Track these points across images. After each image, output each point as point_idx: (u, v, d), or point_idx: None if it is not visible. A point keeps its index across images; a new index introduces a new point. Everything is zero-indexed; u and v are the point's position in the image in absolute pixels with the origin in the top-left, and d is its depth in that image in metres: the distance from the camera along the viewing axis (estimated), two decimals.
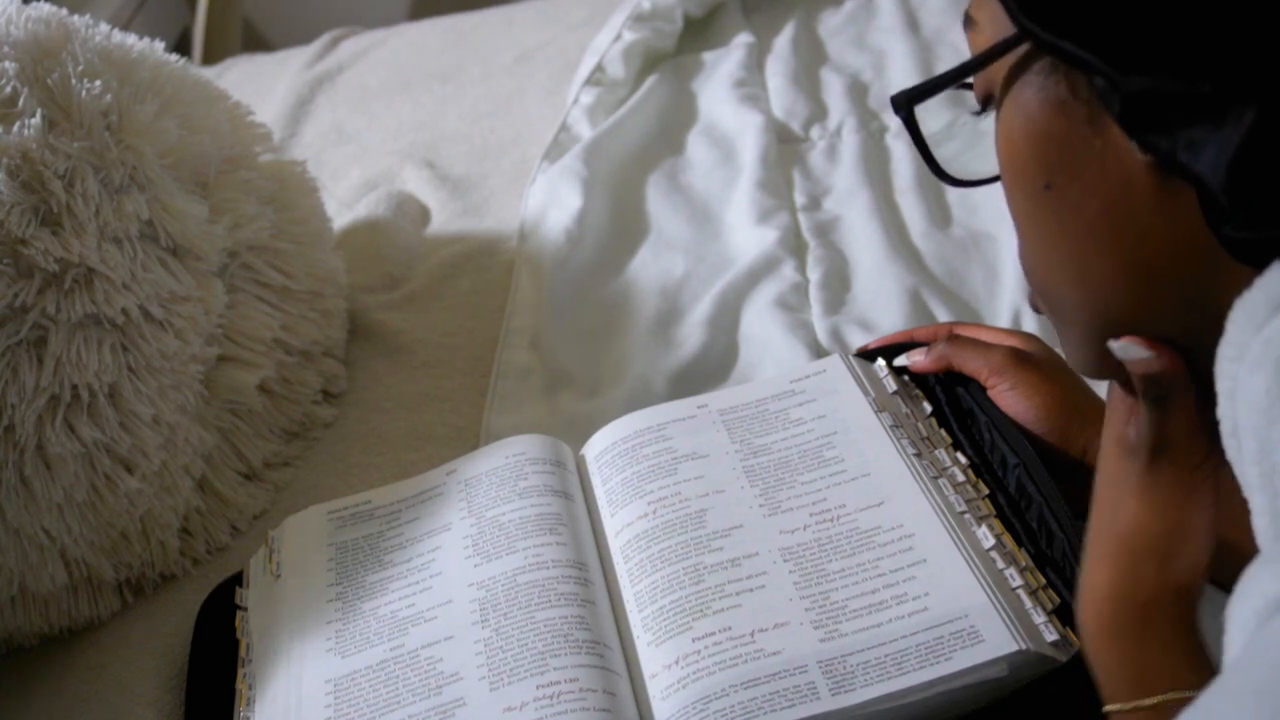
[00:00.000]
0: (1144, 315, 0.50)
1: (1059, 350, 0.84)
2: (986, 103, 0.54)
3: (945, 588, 0.65)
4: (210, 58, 1.96)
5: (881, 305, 0.96)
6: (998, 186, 0.54)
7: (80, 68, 0.80)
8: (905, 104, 0.55)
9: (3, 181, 0.74)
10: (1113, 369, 0.54)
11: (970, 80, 0.56)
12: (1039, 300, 0.56)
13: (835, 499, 0.72)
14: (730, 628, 0.66)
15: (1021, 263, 0.56)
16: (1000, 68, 0.50)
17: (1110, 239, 0.48)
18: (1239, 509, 0.66)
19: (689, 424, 0.79)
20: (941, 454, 0.74)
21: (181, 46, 2.08)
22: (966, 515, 0.69)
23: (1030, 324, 0.92)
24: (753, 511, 0.72)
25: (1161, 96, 0.42)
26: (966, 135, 0.59)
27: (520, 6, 1.57)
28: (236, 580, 0.80)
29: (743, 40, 1.32)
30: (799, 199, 1.11)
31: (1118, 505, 0.53)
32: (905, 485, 0.72)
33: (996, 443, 0.73)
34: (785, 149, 1.17)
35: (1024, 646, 0.60)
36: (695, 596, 0.68)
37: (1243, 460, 0.44)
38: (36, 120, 0.77)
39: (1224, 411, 0.45)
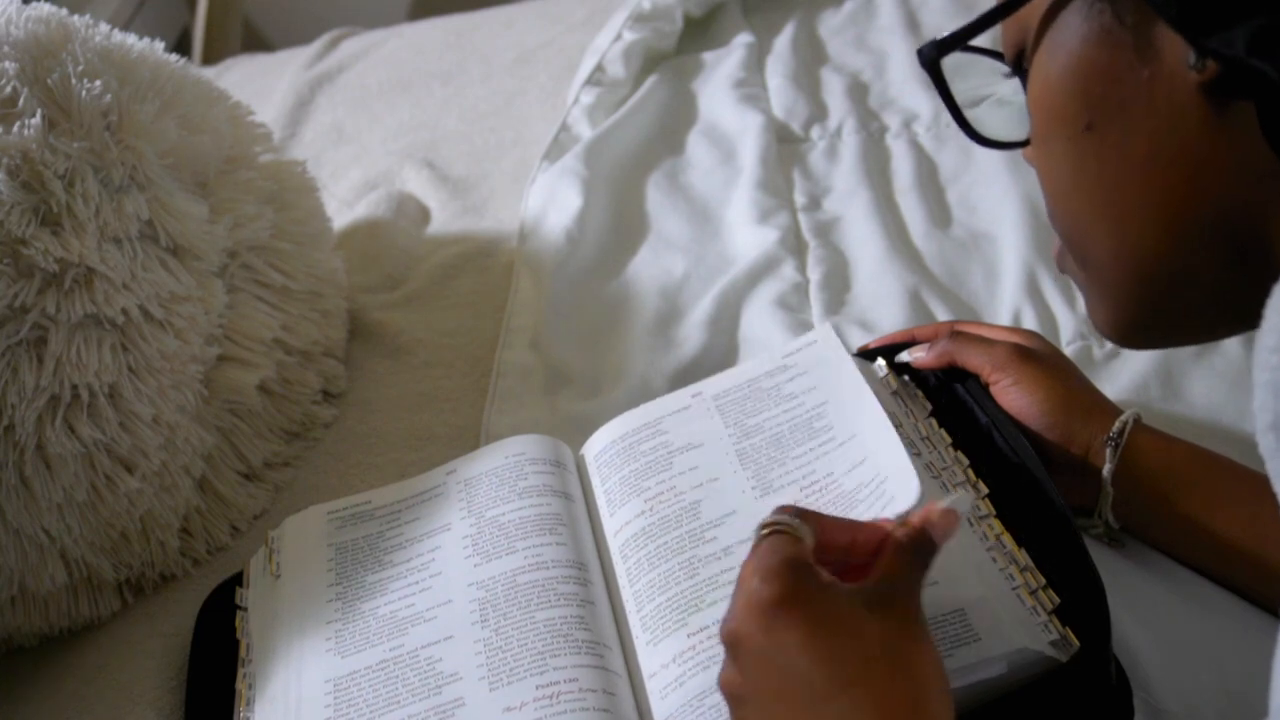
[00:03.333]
0: (1180, 265, 0.48)
1: (1061, 347, 0.84)
2: (1017, 57, 0.52)
3: (944, 586, 0.65)
4: (210, 58, 1.96)
5: (881, 305, 0.96)
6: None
7: (80, 68, 0.80)
8: (934, 56, 0.53)
9: (3, 181, 0.74)
10: (1141, 332, 0.53)
11: (991, 54, 0.55)
12: (1070, 255, 0.55)
13: (823, 468, 0.72)
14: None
15: (1052, 219, 0.54)
16: (1035, 9, 0.49)
17: (1155, 177, 0.46)
18: (1261, 519, 0.66)
19: (684, 415, 0.79)
20: (941, 454, 0.74)
21: (181, 46, 2.08)
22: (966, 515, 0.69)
23: (1031, 323, 0.92)
24: (745, 496, 0.72)
25: None
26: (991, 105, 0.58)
27: (520, 7, 1.57)
28: (236, 580, 0.80)
29: (743, 40, 1.32)
30: (799, 199, 1.11)
31: (902, 657, 0.50)
32: (885, 435, 0.70)
33: (996, 442, 0.73)
34: (785, 149, 1.17)
35: (1023, 645, 0.60)
36: (690, 591, 0.68)
37: None
38: (36, 120, 0.77)
39: (1263, 404, 0.43)
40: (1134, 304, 0.51)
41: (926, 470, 0.72)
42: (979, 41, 0.55)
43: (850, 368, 0.77)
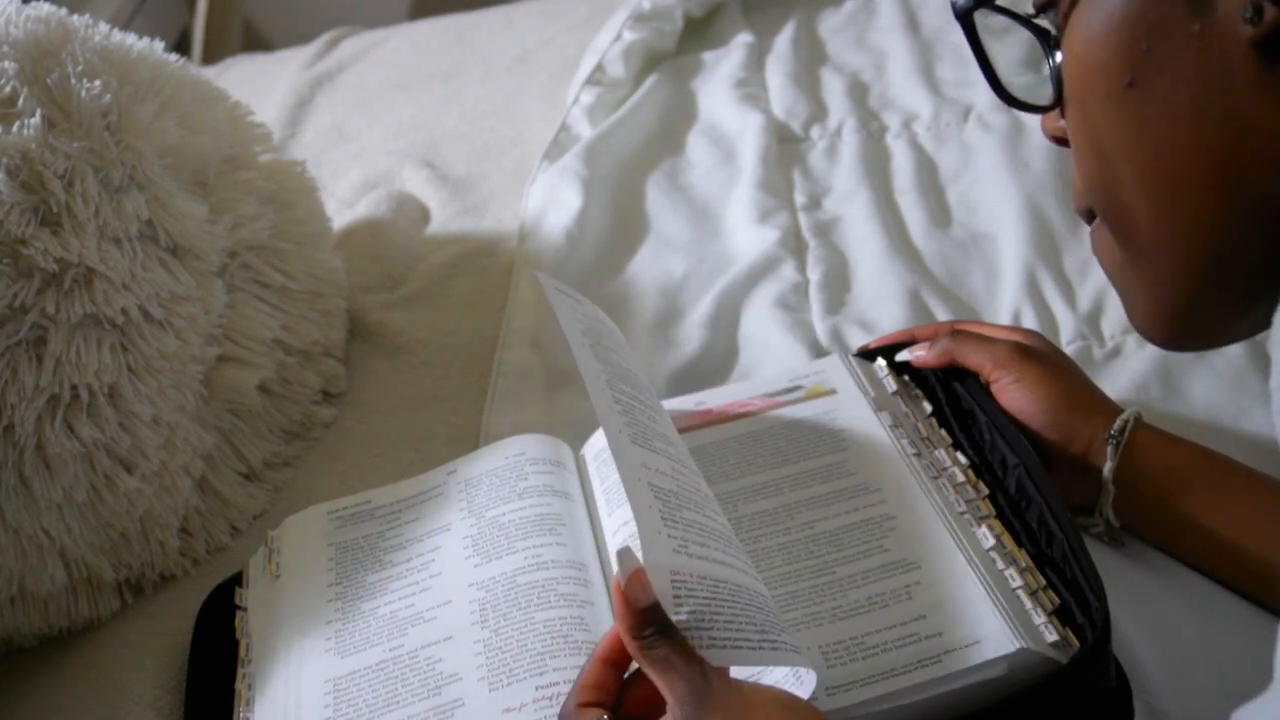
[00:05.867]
0: (1224, 236, 0.47)
1: (1061, 347, 0.84)
2: (1045, 6, 0.51)
3: (944, 588, 0.65)
4: (210, 58, 1.96)
5: (881, 305, 0.96)
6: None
7: (80, 68, 0.80)
8: (969, 7, 0.51)
9: (3, 181, 0.74)
10: (1182, 322, 0.51)
11: (1017, 17, 0.54)
12: (1103, 237, 0.54)
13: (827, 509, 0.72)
14: None
15: (1084, 187, 0.53)
16: None
17: (1200, 136, 0.45)
18: (1262, 518, 0.65)
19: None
20: (941, 454, 0.74)
21: (181, 46, 2.08)
22: (966, 515, 0.69)
23: (1031, 323, 0.92)
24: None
25: None
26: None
27: (520, 6, 1.57)
28: (236, 580, 0.80)
29: (743, 40, 1.32)
30: (799, 199, 1.11)
31: None
32: (903, 485, 0.71)
33: (996, 443, 0.73)
34: (785, 149, 1.17)
35: (1024, 647, 0.60)
36: None
37: None
38: (36, 120, 0.77)
39: (1279, 383, 0.43)
40: (1177, 283, 0.50)
41: (925, 471, 0.72)
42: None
43: (861, 403, 0.77)
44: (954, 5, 0.52)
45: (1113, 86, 0.47)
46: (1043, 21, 0.53)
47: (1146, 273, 0.51)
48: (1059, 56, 0.52)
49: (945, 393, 0.78)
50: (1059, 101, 0.53)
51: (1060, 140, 0.56)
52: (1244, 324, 0.52)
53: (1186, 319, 0.52)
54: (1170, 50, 0.45)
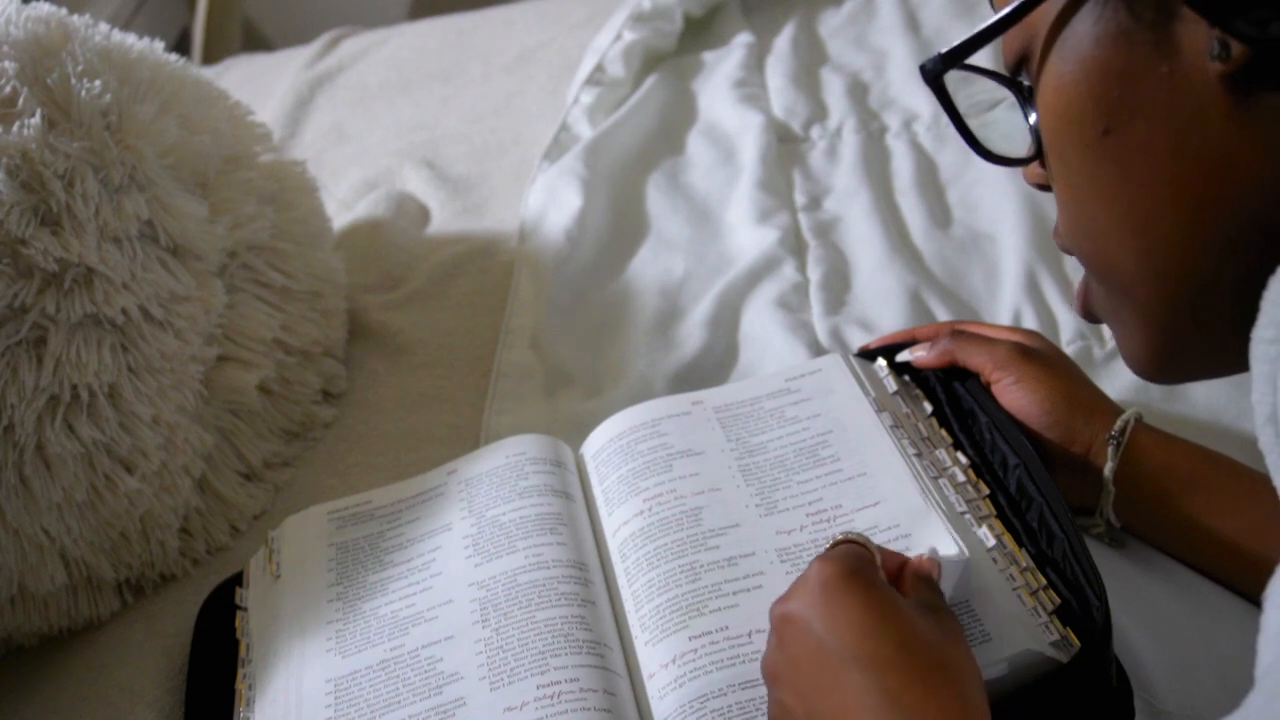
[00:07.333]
0: (1211, 269, 0.47)
1: (1061, 347, 0.84)
2: (1018, 65, 0.51)
3: (945, 588, 0.65)
4: (210, 58, 1.96)
5: (882, 305, 0.96)
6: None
7: (80, 68, 0.80)
8: (938, 70, 0.52)
9: (3, 181, 0.74)
10: (1177, 358, 0.52)
11: (990, 74, 0.54)
12: (1093, 286, 0.54)
13: (831, 499, 0.72)
14: (727, 628, 0.66)
15: (1068, 234, 0.53)
16: (1042, 15, 0.48)
17: (1179, 176, 0.45)
18: (1262, 519, 0.66)
19: (683, 420, 0.79)
20: (942, 454, 0.74)
21: (181, 46, 2.08)
22: (967, 515, 0.69)
23: (1031, 323, 0.92)
24: (749, 511, 0.72)
25: None
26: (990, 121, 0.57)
27: (520, 6, 1.57)
28: (236, 580, 0.80)
29: (743, 40, 1.32)
30: (799, 199, 1.11)
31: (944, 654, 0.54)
32: (903, 485, 0.71)
33: (997, 443, 0.73)
34: (785, 149, 1.17)
35: (1025, 646, 0.60)
36: (692, 595, 0.68)
37: None
38: (36, 120, 0.76)
39: (1261, 396, 0.43)
40: (1166, 321, 0.50)
41: (926, 471, 0.72)
42: (977, 60, 0.54)
43: (859, 402, 0.77)
44: (923, 70, 0.52)
45: (1089, 135, 0.48)
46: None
47: (1135, 311, 0.52)
48: (1035, 115, 0.52)
49: (946, 393, 0.78)
50: (1039, 154, 0.53)
51: (1043, 186, 0.56)
52: (1230, 357, 0.52)
53: (1173, 355, 0.52)
54: (1141, 94, 0.45)
